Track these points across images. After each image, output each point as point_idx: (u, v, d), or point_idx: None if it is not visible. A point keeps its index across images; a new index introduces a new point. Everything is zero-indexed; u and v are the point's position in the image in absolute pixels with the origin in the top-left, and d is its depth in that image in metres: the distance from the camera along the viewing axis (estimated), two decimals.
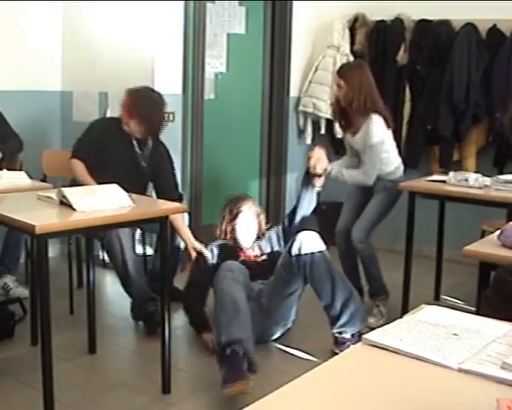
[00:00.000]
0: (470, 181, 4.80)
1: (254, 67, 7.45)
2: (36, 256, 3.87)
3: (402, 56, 6.83)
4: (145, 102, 5.08)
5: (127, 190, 3.89)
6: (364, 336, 2.02)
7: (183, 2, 6.01)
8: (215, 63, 7.33)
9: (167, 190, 5.24)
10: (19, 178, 4.68)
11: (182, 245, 5.24)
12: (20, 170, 5.11)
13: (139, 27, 5.95)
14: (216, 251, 4.90)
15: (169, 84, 5.96)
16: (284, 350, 4.57)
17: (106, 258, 5.80)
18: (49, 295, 3.37)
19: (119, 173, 4.68)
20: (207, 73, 6.62)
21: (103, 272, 6.05)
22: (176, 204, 4.40)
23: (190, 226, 5.40)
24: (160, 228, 3.95)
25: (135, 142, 5.18)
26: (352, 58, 7.08)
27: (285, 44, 7.24)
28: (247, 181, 7.55)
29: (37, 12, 6.32)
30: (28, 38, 6.25)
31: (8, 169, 5.02)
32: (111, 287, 5.83)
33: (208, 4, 6.65)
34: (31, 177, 4.75)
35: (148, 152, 5.26)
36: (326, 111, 7.11)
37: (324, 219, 7.33)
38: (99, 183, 4.32)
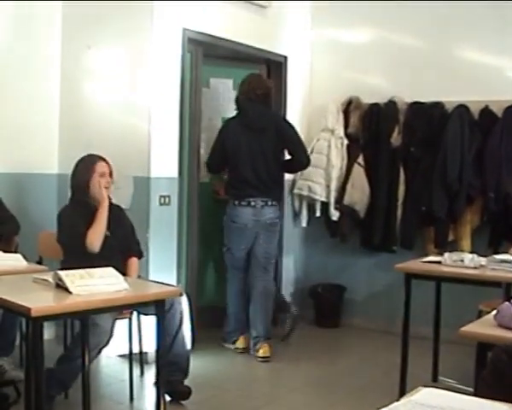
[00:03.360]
0: (466, 261, 4.82)
1: None
2: (31, 339, 3.85)
3: (396, 138, 6.90)
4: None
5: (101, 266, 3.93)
6: None
7: (178, 87, 6.08)
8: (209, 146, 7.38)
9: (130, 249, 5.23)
10: (14, 261, 4.68)
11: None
12: (16, 252, 5.11)
13: (136, 112, 6.00)
14: None
15: (165, 168, 6.00)
16: None
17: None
18: (44, 378, 3.34)
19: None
20: (202, 157, 6.66)
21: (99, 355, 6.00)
22: (171, 287, 4.41)
23: (191, 308, 5.52)
24: (156, 311, 3.94)
25: None
26: (346, 141, 7.15)
27: None
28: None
29: (34, 93, 6.39)
30: (25, 121, 6.30)
31: (4, 251, 5.02)
32: (106, 369, 5.78)
33: (203, 89, 6.74)
34: (26, 259, 4.75)
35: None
36: (321, 194, 7.15)
37: (320, 301, 7.34)
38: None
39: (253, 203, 6.24)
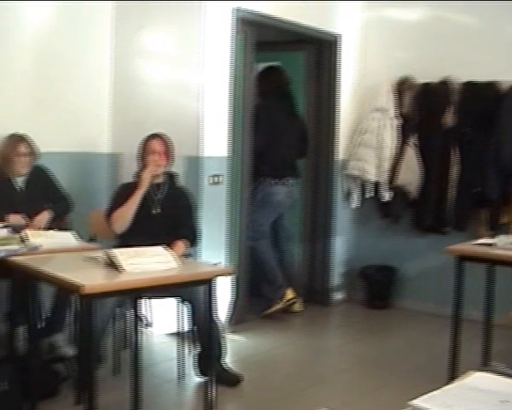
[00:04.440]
0: None
1: None
2: (82, 316, 3.90)
3: (449, 119, 6.81)
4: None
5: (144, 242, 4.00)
6: (411, 402, 1.98)
7: (229, 67, 6.07)
8: None
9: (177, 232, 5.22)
10: (66, 239, 4.74)
11: None
12: (68, 230, 5.16)
13: (188, 91, 6.01)
14: None
15: (216, 147, 6.01)
16: None
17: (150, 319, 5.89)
18: (95, 354, 3.37)
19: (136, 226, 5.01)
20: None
21: (148, 333, 6.06)
22: (221, 267, 4.41)
23: (238, 279, 5.76)
24: (207, 290, 3.95)
25: (152, 189, 5.23)
26: (398, 121, 7.08)
27: (332, 108, 7.27)
28: (289, 243, 7.53)
29: (87, 73, 6.44)
30: (78, 101, 6.36)
31: (57, 229, 5.09)
32: (156, 348, 5.83)
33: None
34: (79, 237, 4.80)
35: (162, 197, 5.27)
36: (373, 174, 7.10)
37: (371, 283, 7.30)
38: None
39: (287, 182, 6.82)
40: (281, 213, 7.02)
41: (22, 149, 5.56)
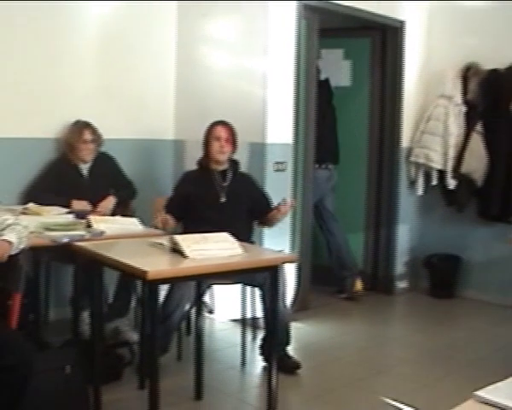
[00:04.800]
0: None
1: (360, 118, 7.46)
2: (147, 302, 3.93)
3: None
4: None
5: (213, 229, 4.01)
6: (475, 392, 1.96)
7: (294, 54, 6.05)
8: None
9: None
10: (131, 225, 4.78)
11: None
12: (133, 216, 5.21)
13: (252, 78, 6.01)
14: None
15: (280, 134, 6.01)
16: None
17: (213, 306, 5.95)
18: (158, 340, 3.40)
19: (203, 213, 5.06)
20: None
21: (211, 318, 6.10)
22: (287, 254, 4.41)
23: (300, 266, 5.85)
24: (271, 277, 3.95)
25: (217, 176, 5.26)
26: (464, 108, 6.98)
27: (397, 94, 7.21)
28: (352, 230, 7.51)
29: (151, 61, 6.49)
30: (143, 88, 6.41)
31: (122, 215, 5.14)
32: (219, 334, 5.86)
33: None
34: (143, 223, 4.84)
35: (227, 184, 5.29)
36: (438, 162, 7.02)
37: (435, 272, 7.23)
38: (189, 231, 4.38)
39: (327, 167, 7.10)
40: (322, 196, 7.06)
41: (87, 135, 5.63)
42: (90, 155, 5.69)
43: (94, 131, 5.70)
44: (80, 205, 5.40)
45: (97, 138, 5.73)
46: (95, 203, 5.49)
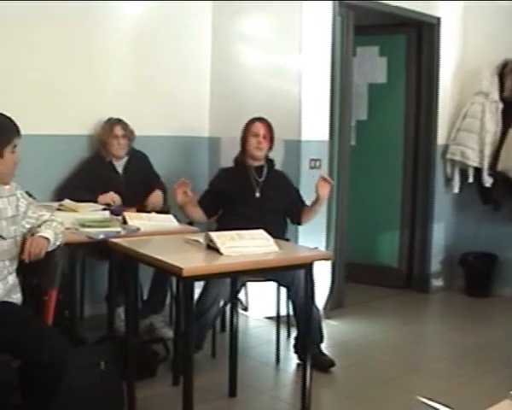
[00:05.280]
0: None
1: (396, 115, 7.42)
2: (182, 298, 3.94)
3: None
4: None
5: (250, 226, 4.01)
6: (511, 392, 1.94)
7: (329, 51, 6.03)
8: (357, 111, 7.36)
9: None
10: (167, 221, 4.79)
11: None
12: (168, 213, 5.22)
13: (287, 76, 6.00)
14: None
15: (316, 131, 5.99)
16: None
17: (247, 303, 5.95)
18: (193, 337, 3.40)
19: (238, 208, 5.08)
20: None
21: (246, 316, 6.10)
22: (322, 251, 4.40)
23: (334, 264, 5.69)
24: (305, 275, 3.94)
25: (253, 172, 5.28)
26: (501, 105, 6.92)
27: (432, 91, 7.16)
28: (387, 228, 7.50)
29: (186, 59, 6.51)
30: (177, 85, 6.42)
31: (157, 212, 5.15)
32: (253, 331, 5.86)
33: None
34: (178, 220, 4.85)
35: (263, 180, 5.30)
36: (474, 160, 6.96)
37: (471, 270, 7.18)
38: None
39: None
40: None
41: (118, 131, 5.68)
42: (122, 150, 5.72)
43: (125, 126, 5.73)
44: (107, 198, 5.44)
45: (129, 134, 5.76)
46: (129, 200, 5.51)
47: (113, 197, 5.48)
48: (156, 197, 5.70)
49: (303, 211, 5.23)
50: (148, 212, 5.13)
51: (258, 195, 5.18)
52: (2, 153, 3.39)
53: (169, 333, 5.24)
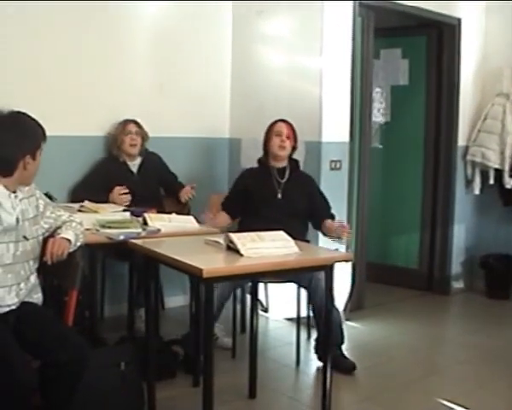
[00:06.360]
0: None
1: (417, 116, 7.41)
2: (202, 300, 3.94)
3: None
4: None
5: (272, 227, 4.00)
6: None
7: (350, 52, 6.02)
8: (380, 113, 7.36)
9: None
10: (188, 222, 4.80)
11: None
12: (189, 214, 5.23)
13: (308, 77, 5.99)
14: None
15: (336, 133, 5.98)
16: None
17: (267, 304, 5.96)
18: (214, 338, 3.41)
19: (259, 209, 5.09)
20: (372, 123, 6.66)
21: (266, 317, 6.10)
22: (342, 252, 4.39)
23: (354, 265, 5.64)
24: (326, 277, 3.94)
25: (275, 173, 5.27)
26: None
27: (453, 93, 7.13)
28: (408, 229, 7.49)
29: (207, 60, 6.53)
30: (198, 86, 6.44)
31: (177, 213, 5.16)
32: (273, 332, 5.86)
33: (374, 61, 6.69)
34: (199, 222, 4.85)
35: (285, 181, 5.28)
36: (495, 161, 6.93)
37: (492, 272, 7.15)
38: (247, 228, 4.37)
39: None
40: None
41: (131, 127, 5.71)
42: (134, 148, 5.75)
43: (139, 125, 5.79)
44: (115, 196, 5.48)
45: (142, 133, 5.79)
46: (145, 200, 5.52)
47: (119, 191, 5.50)
48: (187, 192, 5.79)
49: (324, 224, 5.16)
50: (169, 213, 5.14)
51: (279, 196, 5.18)
52: (35, 155, 3.43)
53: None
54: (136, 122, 5.78)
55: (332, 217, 5.22)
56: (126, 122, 5.76)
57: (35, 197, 3.58)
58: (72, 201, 5.38)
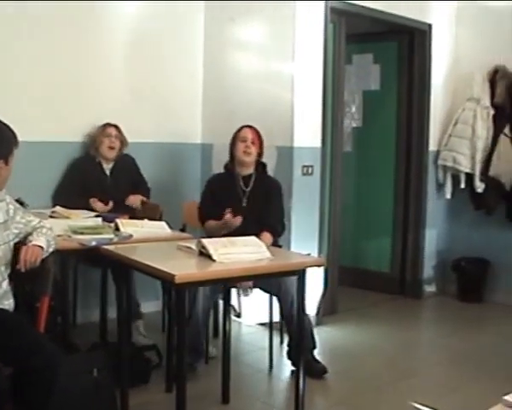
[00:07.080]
0: None
1: (388, 122, 7.46)
2: (174, 305, 3.94)
3: None
4: None
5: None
6: (504, 397, 1.95)
7: (321, 57, 6.04)
8: (352, 118, 7.41)
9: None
10: (160, 228, 4.79)
11: None
12: (161, 220, 5.23)
13: (280, 82, 6.00)
14: None
15: (308, 138, 6.00)
16: None
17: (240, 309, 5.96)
18: (186, 343, 3.40)
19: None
20: (344, 128, 6.69)
21: (239, 322, 6.10)
22: (314, 257, 4.40)
23: (327, 270, 5.66)
24: (298, 281, 3.94)
25: (241, 181, 5.23)
26: (492, 111, 6.94)
27: (424, 98, 7.18)
28: (380, 233, 7.52)
29: (179, 66, 6.53)
30: (170, 92, 6.44)
31: (149, 219, 5.15)
32: (246, 337, 5.86)
33: (346, 66, 6.73)
34: (171, 227, 4.85)
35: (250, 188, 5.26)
36: (466, 165, 6.98)
37: (464, 275, 7.19)
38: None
39: None
40: None
41: (111, 130, 5.73)
42: (112, 151, 5.78)
43: (119, 130, 5.80)
44: (99, 206, 5.48)
45: (121, 137, 5.81)
46: (116, 202, 5.56)
47: (103, 208, 5.51)
48: (134, 199, 5.74)
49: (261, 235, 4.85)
50: (141, 218, 5.13)
51: (244, 204, 5.15)
52: (7, 160, 3.43)
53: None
54: (116, 127, 5.80)
55: (272, 228, 5.01)
56: (107, 125, 5.79)
57: (5, 202, 3.56)
58: (55, 205, 5.37)
